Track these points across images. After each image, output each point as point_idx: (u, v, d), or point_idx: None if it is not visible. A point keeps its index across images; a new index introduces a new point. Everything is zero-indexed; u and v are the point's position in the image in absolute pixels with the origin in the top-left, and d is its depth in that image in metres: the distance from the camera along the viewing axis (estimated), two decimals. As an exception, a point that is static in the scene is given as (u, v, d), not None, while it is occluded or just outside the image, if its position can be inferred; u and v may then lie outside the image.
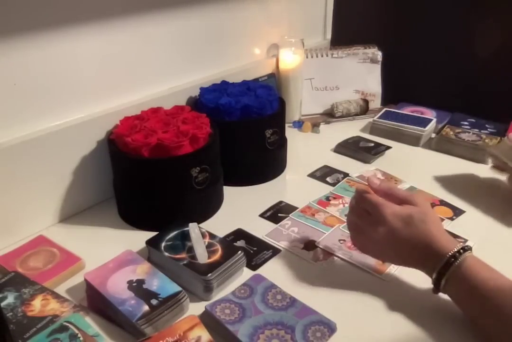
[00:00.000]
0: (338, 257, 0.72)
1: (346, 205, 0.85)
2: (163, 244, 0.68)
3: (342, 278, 0.68)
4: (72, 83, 0.77)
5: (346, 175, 0.95)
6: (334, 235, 0.77)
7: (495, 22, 1.10)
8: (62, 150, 0.77)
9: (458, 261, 0.56)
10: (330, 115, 1.21)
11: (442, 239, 0.58)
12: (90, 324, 0.59)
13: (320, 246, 0.74)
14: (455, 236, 0.76)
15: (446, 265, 0.56)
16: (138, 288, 0.61)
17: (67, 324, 0.57)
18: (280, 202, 0.86)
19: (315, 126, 1.15)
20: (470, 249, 0.57)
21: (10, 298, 0.61)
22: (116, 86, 0.84)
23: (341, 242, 0.75)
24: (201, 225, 0.74)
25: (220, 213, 0.84)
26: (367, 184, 0.66)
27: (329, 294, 0.65)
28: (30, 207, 0.76)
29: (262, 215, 0.83)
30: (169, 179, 0.75)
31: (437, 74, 1.22)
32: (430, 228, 0.59)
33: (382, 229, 0.60)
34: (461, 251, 0.56)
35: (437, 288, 0.58)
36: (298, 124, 1.15)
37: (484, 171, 0.88)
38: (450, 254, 0.56)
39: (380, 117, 1.11)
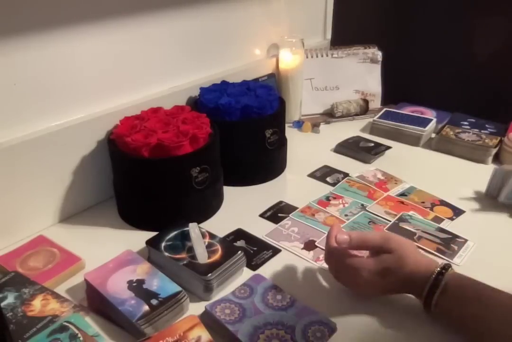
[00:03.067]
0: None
1: (346, 205, 0.85)
2: (163, 244, 0.68)
3: (342, 278, 0.68)
4: (72, 83, 0.77)
5: (346, 175, 0.95)
6: (334, 235, 0.77)
7: (495, 23, 1.10)
8: (62, 150, 0.77)
9: (440, 288, 0.56)
10: (330, 115, 1.21)
11: (419, 270, 0.58)
12: (90, 324, 0.59)
13: (320, 246, 0.74)
14: (455, 236, 0.76)
15: (429, 293, 0.57)
16: (138, 288, 0.61)
17: (67, 324, 0.57)
18: (280, 202, 0.86)
19: (315, 126, 1.15)
20: (448, 267, 0.57)
21: (10, 298, 0.61)
22: (116, 86, 0.84)
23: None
24: (201, 225, 0.74)
25: (220, 213, 0.84)
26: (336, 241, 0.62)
27: (329, 294, 0.65)
28: (30, 207, 0.76)
29: (262, 215, 0.83)
30: (169, 179, 0.75)
31: (437, 74, 1.22)
32: (407, 269, 0.58)
33: (363, 287, 0.61)
34: (441, 274, 0.56)
35: (428, 311, 0.59)
36: (298, 124, 1.15)
37: (484, 170, 0.88)
38: (430, 281, 0.56)
39: (380, 117, 1.11)
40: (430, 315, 0.59)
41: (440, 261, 0.61)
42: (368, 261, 0.60)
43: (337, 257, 0.63)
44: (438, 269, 0.57)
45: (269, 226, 0.80)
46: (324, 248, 0.73)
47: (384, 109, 1.15)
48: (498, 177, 0.83)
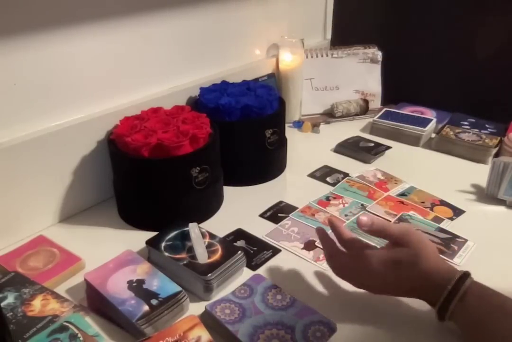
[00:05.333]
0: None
1: (346, 205, 0.85)
2: (163, 244, 0.68)
3: (342, 278, 0.68)
4: (72, 83, 0.77)
5: (346, 175, 0.95)
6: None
7: (496, 22, 1.10)
8: (62, 150, 0.77)
9: (458, 295, 0.53)
10: (330, 115, 1.21)
11: (438, 272, 0.55)
12: (90, 324, 0.59)
13: (320, 246, 0.74)
14: (455, 236, 0.76)
15: (446, 300, 0.54)
16: (138, 288, 0.61)
17: (67, 324, 0.57)
18: (280, 202, 0.86)
19: (315, 126, 1.15)
20: (468, 275, 0.55)
21: (10, 298, 0.61)
22: (116, 86, 0.84)
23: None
24: (201, 225, 0.74)
25: (220, 213, 0.84)
26: (357, 225, 0.60)
27: (329, 294, 0.65)
28: (30, 206, 0.76)
29: (262, 215, 0.83)
30: (169, 179, 0.75)
31: (437, 74, 1.22)
32: (422, 269, 0.55)
33: (372, 279, 0.59)
34: (460, 281, 0.54)
35: (441, 320, 0.56)
36: (298, 124, 1.15)
37: (484, 170, 0.88)
38: (449, 287, 0.54)
39: (380, 117, 1.11)
40: (442, 321, 0.56)
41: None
42: (380, 250, 0.59)
43: (347, 245, 0.61)
44: (459, 275, 0.54)
45: (269, 226, 0.80)
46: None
47: (384, 109, 1.15)
48: (496, 169, 0.83)
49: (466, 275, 0.55)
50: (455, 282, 0.54)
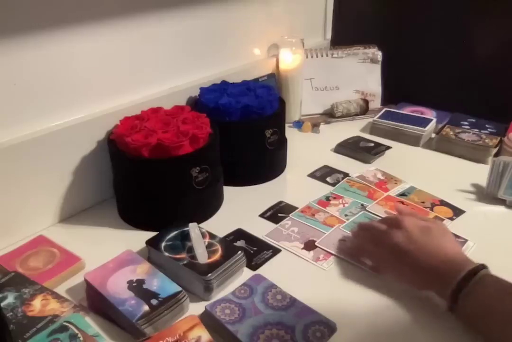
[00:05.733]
0: (338, 257, 0.72)
1: (346, 205, 0.85)
2: (163, 244, 0.68)
3: (342, 278, 0.68)
4: (72, 83, 0.77)
5: (346, 175, 0.95)
6: (334, 235, 0.77)
7: (496, 22, 1.10)
8: (62, 150, 0.77)
9: (477, 277, 0.55)
10: (330, 115, 1.21)
11: (460, 255, 0.61)
12: (90, 324, 0.59)
13: (320, 246, 0.74)
14: (455, 236, 0.76)
15: (465, 279, 0.55)
16: (138, 288, 0.61)
17: (67, 324, 0.57)
18: (280, 202, 0.86)
19: (315, 126, 1.15)
20: (486, 267, 0.58)
21: (10, 298, 0.61)
22: (116, 86, 0.84)
23: (341, 242, 0.75)
24: (201, 225, 0.74)
25: (220, 213, 0.84)
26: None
27: (329, 294, 0.65)
28: (30, 206, 0.76)
29: (262, 215, 0.83)
30: (169, 179, 0.75)
31: (437, 74, 1.22)
32: (447, 243, 0.62)
33: (400, 233, 0.64)
34: (479, 267, 0.57)
35: (453, 304, 0.56)
36: (298, 124, 1.15)
37: (484, 170, 0.88)
38: (469, 269, 0.56)
39: (380, 117, 1.11)
40: (451, 309, 0.57)
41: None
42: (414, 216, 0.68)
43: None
44: (476, 265, 0.57)
45: (269, 226, 0.80)
46: (323, 247, 0.74)
47: (384, 109, 1.15)
48: (496, 169, 0.83)
49: (483, 265, 0.58)
50: (474, 267, 0.57)
